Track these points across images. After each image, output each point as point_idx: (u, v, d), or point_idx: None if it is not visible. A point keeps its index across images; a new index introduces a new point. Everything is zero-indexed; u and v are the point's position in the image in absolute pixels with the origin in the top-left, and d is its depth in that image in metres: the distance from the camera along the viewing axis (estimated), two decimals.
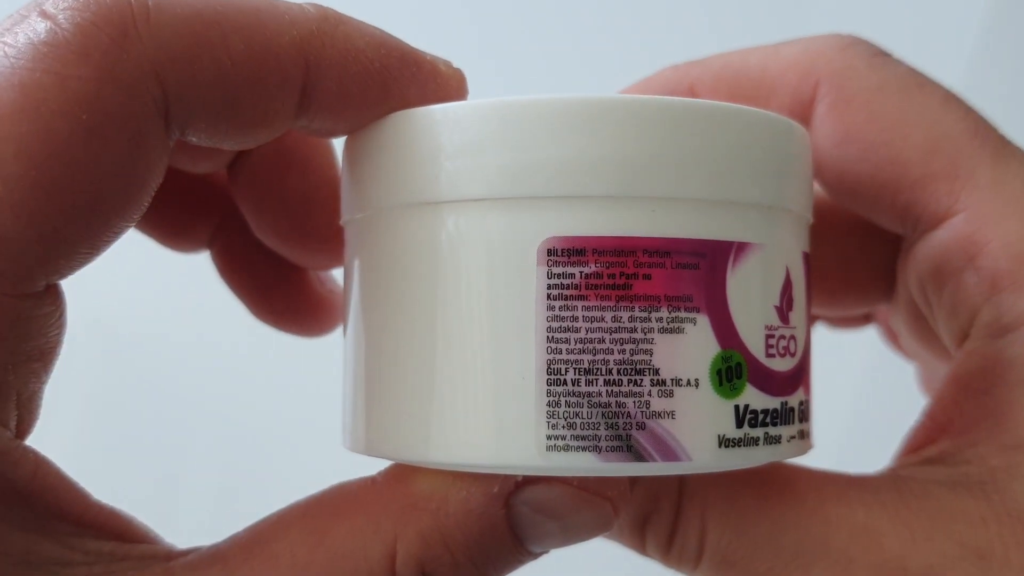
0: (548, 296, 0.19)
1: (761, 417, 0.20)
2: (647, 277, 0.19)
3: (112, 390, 0.47)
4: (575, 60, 0.55)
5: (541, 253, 0.19)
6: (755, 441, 0.20)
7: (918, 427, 0.24)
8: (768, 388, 0.20)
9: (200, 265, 0.27)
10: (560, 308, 0.19)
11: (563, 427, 0.19)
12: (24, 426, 0.19)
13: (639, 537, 0.23)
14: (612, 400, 0.19)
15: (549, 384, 0.19)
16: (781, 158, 0.21)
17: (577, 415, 0.19)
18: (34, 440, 0.20)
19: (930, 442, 0.22)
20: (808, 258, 0.22)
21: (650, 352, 0.19)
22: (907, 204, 0.23)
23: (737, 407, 0.20)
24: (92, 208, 0.18)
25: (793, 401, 0.21)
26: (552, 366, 0.19)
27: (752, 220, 0.20)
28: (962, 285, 0.22)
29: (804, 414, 0.22)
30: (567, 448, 0.19)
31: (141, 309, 0.50)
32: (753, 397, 0.20)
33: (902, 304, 0.27)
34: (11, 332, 0.18)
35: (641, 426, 0.19)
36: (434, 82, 0.21)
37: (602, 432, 0.19)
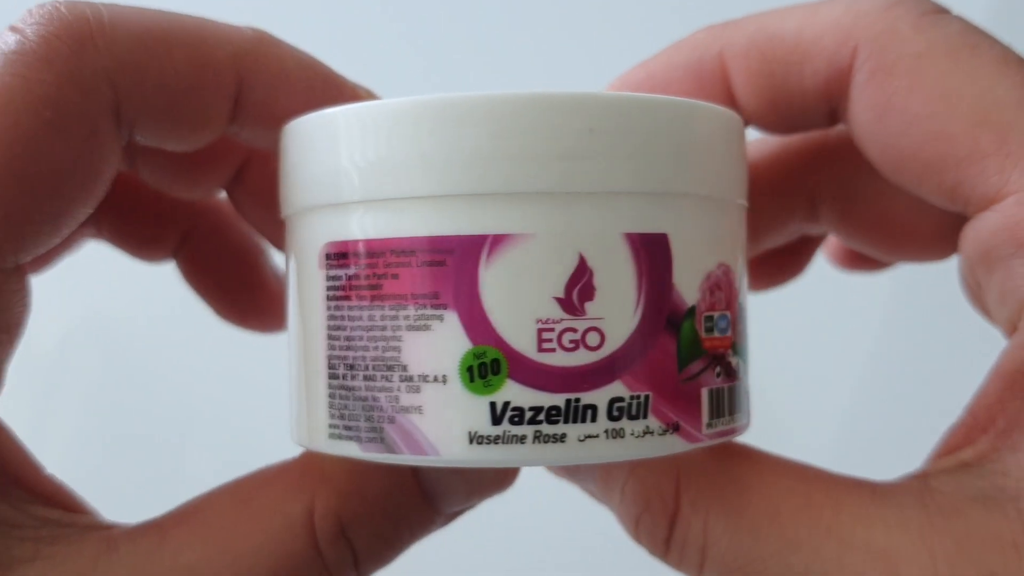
0: (327, 297, 0.21)
1: (529, 414, 0.19)
2: (395, 277, 0.20)
3: (110, 389, 0.46)
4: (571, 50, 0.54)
5: (321, 258, 0.21)
6: (520, 439, 0.19)
7: (957, 425, 0.21)
8: (543, 384, 0.19)
9: None
10: (334, 308, 0.21)
11: (337, 417, 0.21)
12: None
13: (635, 536, 0.23)
14: (369, 395, 0.20)
15: (329, 378, 0.21)
16: (564, 141, 0.20)
17: (345, 407, 0.21)
18: (33, 438, 0.23)
19: (968, 442, 0.21)
20: (644, 240, 0.20)
21: (399, 349, 0.20)
22: (955, 184, 0.21)
23: (493, 404, 0.19)
24: (54, 193, 0.21)
25: (596, 398, 0.20)
26: (330, 362, 0.21)
27: (516, 210, 0.19)
28: (1011, 273, 0.20)
29: (628, 411, 0.20)
30: (340, 437, 0.21)
31: (141, 309, 0.49)
32: (518, 393, 0.19)
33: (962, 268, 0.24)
34: None
35: (391, 420, 0.20)
36: (349, 97, 0.23)
37: (362, 424, 0.20)
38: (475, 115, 0.20)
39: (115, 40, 0.21)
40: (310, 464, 0.23)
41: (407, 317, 0.20)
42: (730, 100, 0.24)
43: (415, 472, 0.23)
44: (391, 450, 0.20)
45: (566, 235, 0.20)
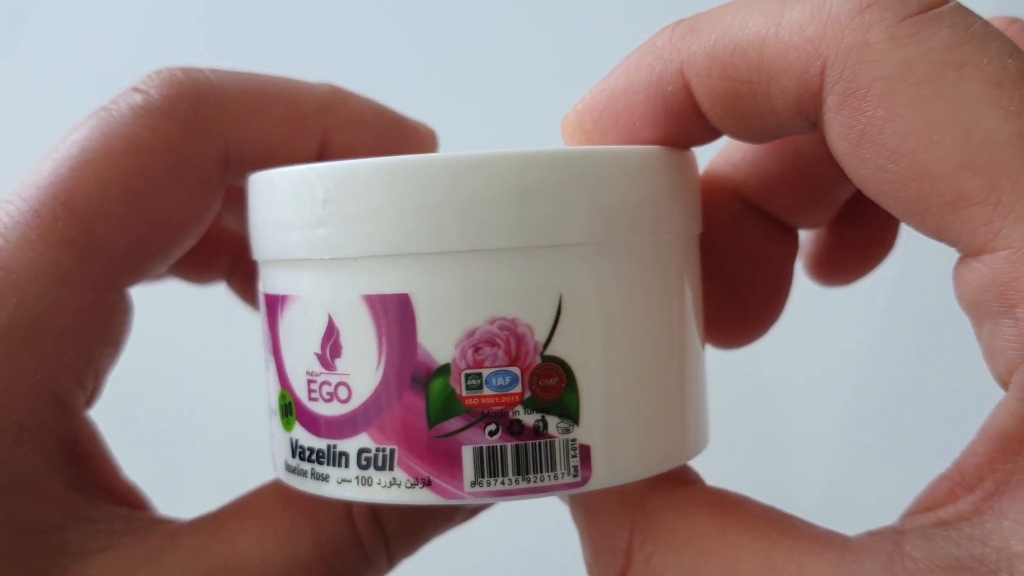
0: None
1: (308, 453, 0.22)
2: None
3: (111, 388, 0.42)
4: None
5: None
6: (304, 473, 0.22)
7: (941, 479, 0.19)
8: (314, 429, 0.22)
9: None
10: None
11: None
12: (91, 399, 0.25)
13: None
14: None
15: None
16: (306, 212, 0.21)
17: None
18: None
19: (951, 500, 0.19)
20: (384, 301, 0.21)
21: (265, 385, 0.24)
22: (939, 228, 0.18)
23: (292, 440, 0.23)
24: (170, 230, 0.24)
25: (348, 446, 0.21)
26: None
27: (290, 274, 0.22)
28: (999, 332, 0.18)
29: (374, 462, 0.21)
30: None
31: (141, 308, 0.46)
32: (302, 434, 0.22)
33: None
34: (103, 321, 0.24)
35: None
36: (415, 139, 0.27)
37: None
38: (263, 189, 0.23)
39: (224, 99, 0.24)
40: None
41: (264, 358, 0.24)
42: (700, 119, 0.22)
43: None
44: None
45: (318, 298, 0.22)
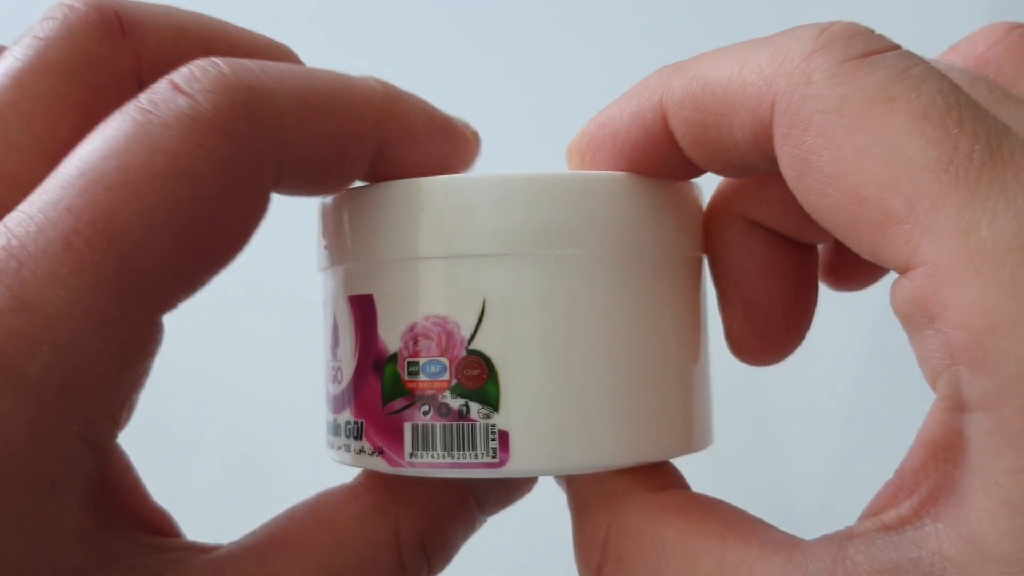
0: None
1: (327, 425, 0.27)
2: None
3: None
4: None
5: None
6: (328, 442, 0.28)
7: (887, 485, 0.21)
8: (331, 406, 0.27)
9: None
10: None
11: None
12: (118, 427, 0.22)
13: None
14: None
15: None
16: (322, 232, 0.27)
17: None
18: None
19: (893, 504, 0.20)
20: (358, 300, 0.25)
21: None
22: (871, 248, 0.20)
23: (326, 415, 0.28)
24: (217, 253, 0.22)
25: (340, 419, 0.26)
26: None
27: (322, 280, 0.28)
28: (924, 343, 0.20)
29: (351, 432, 0.26)
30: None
31: None
32: (326, 410, 0.28)
33: None
34: (140, 356, 0.21)
35: None
36: (462, 142, 0.27)
37: None
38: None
39: (278, 111, 0.21)
40: (384, 481, 0.26)
41: None
42: (676, 149, 0.24)
43: (469, 485, 0.27)
44: None
45: (327, 299, 0.27)
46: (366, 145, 0.24)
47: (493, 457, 0.24)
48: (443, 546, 0.26)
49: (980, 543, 0.18)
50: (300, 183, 0.23)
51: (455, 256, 0.24)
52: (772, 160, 0.22)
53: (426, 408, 0.24)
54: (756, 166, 0.23)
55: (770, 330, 0.27)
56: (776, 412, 0.59)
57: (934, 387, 0.20)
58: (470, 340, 0.24)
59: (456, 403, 0.24)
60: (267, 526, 0.24)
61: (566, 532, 0.26)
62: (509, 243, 0.24)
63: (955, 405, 0.19)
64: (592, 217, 0.24)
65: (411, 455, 0.25)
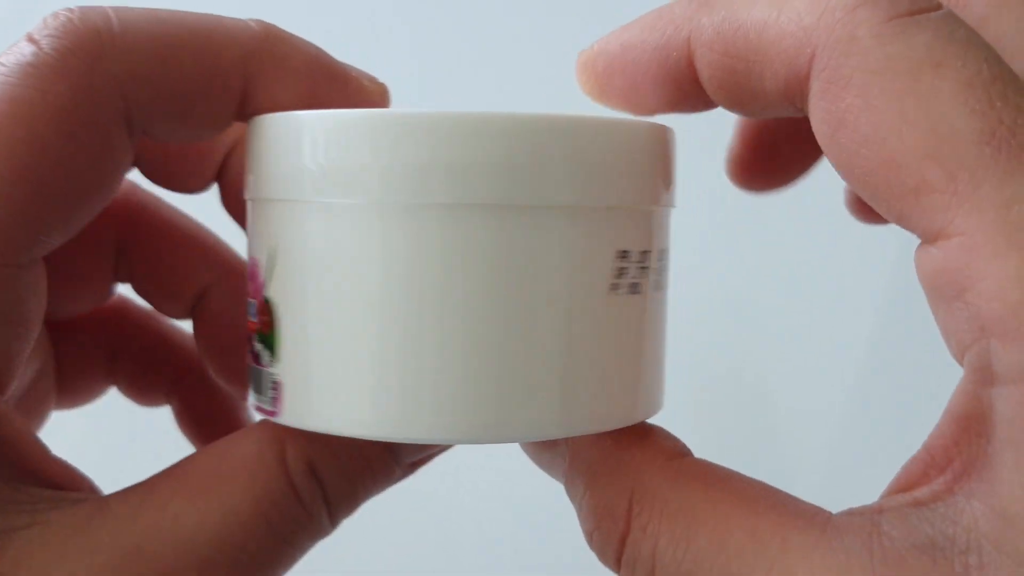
0: None
1: None
2: None
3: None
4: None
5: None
6: None
7: (914, 460, 0.21)
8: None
9: None
10: None
11: None
12: (4, 385, 0.23)
13: (590, 546, 0.24)
14: None
15: None
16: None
17: None
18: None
19: (925, 481, 0.20)
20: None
21: None
22: (901, 213, 0.20)
23: None
24: (67, 196, 0.22)
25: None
26: None
27: None
28: (952, 316, 0.20)
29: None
30: None
31: None
32: None
33: None
34: (11, 283, 0.22)
35: None
36: (358, 95, 0.25)
37: None
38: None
39: (126, 50, 0.22)
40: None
41: None
42: (697, 88, 0.23)
43: None
44: None
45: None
46: (229, 83, 0.23)
47: (272, 406, 0.24)
48: (339, 475, 0.25)
49: (1014, 518, 0.18)
50: (162, 121, 0.23)
51: (267, 199, 0.24)
52: (800, 111, 0.22)
53: (249, 348, 0.25)
54: (783, 114, 0.23)
55: (774, 151, 0.28)
56: (776, 412, 0.59)
57: (960, 360, 0.20)
58: (264, 286, 0.24)
59: (257, 347, 0.24)
60: (169, 466, 0.24)
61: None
62: (298, 189, 0.23)
63: (985, 378, 0.19)
64: (384, 165, 0.22)
65: (250, 395, 0.25)
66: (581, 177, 0.22)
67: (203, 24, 0.23)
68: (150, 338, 0.32)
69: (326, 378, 0.22)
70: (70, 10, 0.22)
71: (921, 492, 0.20)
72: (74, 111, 0.22)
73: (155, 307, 0.31)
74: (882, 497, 0.21)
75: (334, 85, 0.24)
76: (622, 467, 0.23)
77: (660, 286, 0.24)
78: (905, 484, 0.21)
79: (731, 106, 0.23)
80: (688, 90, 0.23)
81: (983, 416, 0.19)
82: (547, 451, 0.25)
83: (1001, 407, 0.19)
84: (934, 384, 0.20)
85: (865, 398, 0.57)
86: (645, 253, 0.23)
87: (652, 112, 0.25)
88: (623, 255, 0.23)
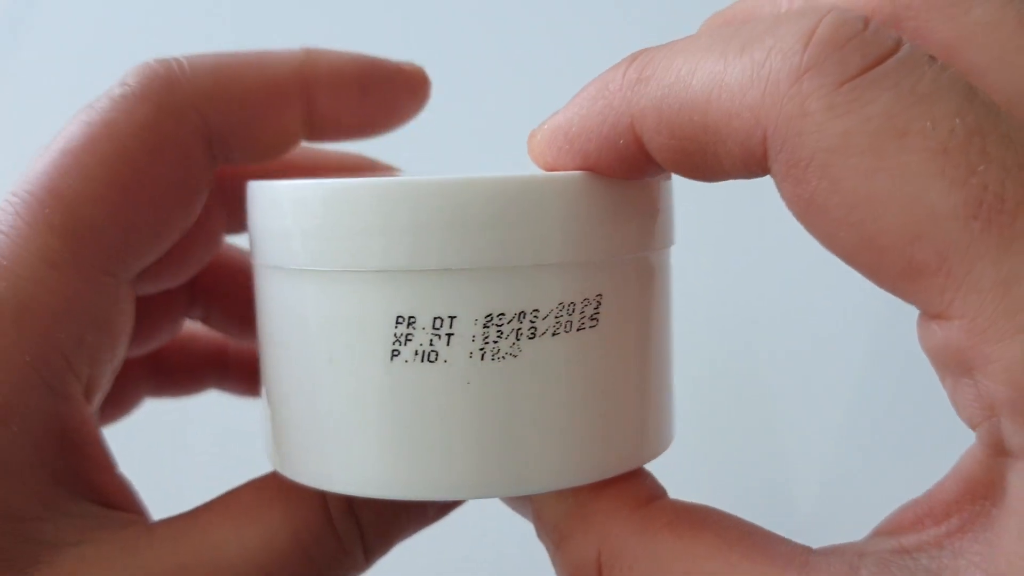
0: None
1: None
2: None
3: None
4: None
5: None
6: None
7: (911, 506, 0.20)
8: None
9: None
10: None
11: None
12: (92, 390, 0.25)
13: None
14: None
15: None
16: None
17: None
18: None
19: (915, 529, 0.20)
20: None
21: None
22: (895, 292, 0.19)
23: None
24: (156, 209, 0.25)
25: None
26: None
27: None
28: (960, 391, 0.19)
29: None
30: None
31: None
32: None
33: None
34: (96, 305, 0.24)
35: None
36: (400, 77, 0.28)
37: None
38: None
39: (196, 76, 0.25)
40: None
41: None
42: (656, 164, 0.21)
43: None
44: None
45: None
46: (291, 95, 0.26)
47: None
48: (376, 517, 0.25)
49: None
50: (235, 142, 0.26)
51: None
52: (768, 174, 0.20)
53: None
54: (752, 177, 0.21)
55: None
56: (776, 413, 0.59)
57: (972, 428, 0.19)
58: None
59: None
60: (214, 498, 0.25)
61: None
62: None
63: (996, 450, 0.18)
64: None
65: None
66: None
67: (257, 53, 0.26)
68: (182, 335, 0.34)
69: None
70: (148, 62, 0.25)
71: (908, 539, 0.19)
72: (156, 127, 0.24)
73: (229, 335, 0.34)
74: (867, 537, 0.20)
75: (381, 78, 0.27)
76: (587, 521, 0.22)
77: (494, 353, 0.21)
78: (893, 528, 0.20)
79: (694, 179, 0.21)
80: (648, 167, 0.21)
81: (993, 483, 0.19)
82: (520, 505, 0.25)
83: (1015, 480, 0.18)
84: (935, 385, 0.20)
85: (866, 399, 0.56)
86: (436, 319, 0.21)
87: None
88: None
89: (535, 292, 0.21)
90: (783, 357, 0.53)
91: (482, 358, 0.21)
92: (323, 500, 0.25)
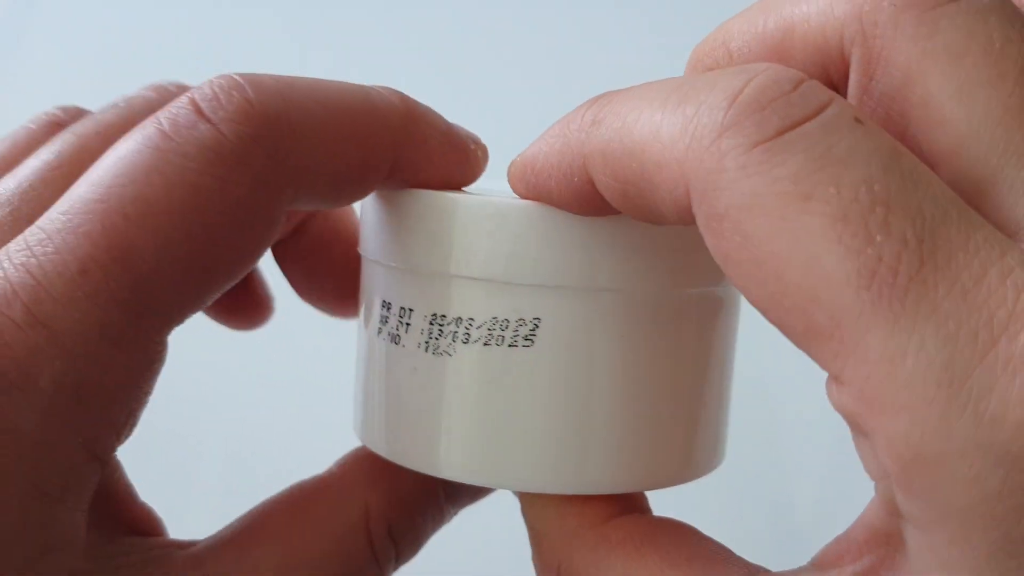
0: None
1: None
2: None
3: None
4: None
5: None
6: None
7: (836, 541, 0.21)
8: None
9: None
10: None
11: None
12: (119, 439, 0.23)
13: None
14: None
15: None
16: None
17: None
18: None
19: (839, 563, 0.20)
20: None
21: None
22: (801, 348, 0.19)
23: None
24: (228, 276, 0.22)
25: None
26: None
27: None
28: (861, 448, 0.19)
29: None
30: None
31: None
32: None
33: None
34: (147, 374, 0.22)
35: None
36: (472, 160, 0.26)
37: None
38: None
39: (300, 140, 0.22)
40: (357, 470, 0.26)
41: None
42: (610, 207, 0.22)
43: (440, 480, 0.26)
44: None
45: None
46: (382, 165, 0.24)
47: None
48: (410, 534, 0.26)
49: None
50: (315, 203, 0.24)
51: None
52: None
53: None
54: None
55: None
56: (777, 417, 0.59)
57: (875, 480, 0.19)
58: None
59: None
60: (243, 518, 0.25)
61: None
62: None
63: (891, 510, 0.18)
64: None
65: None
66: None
67: (360, 105, 0.23)
68: None
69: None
70: (238, 83, 0.21)
71: (830, 574, 0.20)
72: (251, 203, 0.21)
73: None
74: (805, 566, 0.21)
75: (457, 156, 0.25)
76: (560, 530, 0.23)
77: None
78: (823, 561, 0.21)
79: (645, 221, 0.22)
80: (602, 206, 0.22)
81: (891, 535, 0.19)
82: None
83: (911, 541, 0.18)
84: None
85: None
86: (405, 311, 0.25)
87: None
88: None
89: (472, 303, 0.23)
90: (783, 357, 0.52)
91: (426, 350, 0.24)
92: (366, 527, 0.25)
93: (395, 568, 0.26)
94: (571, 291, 0.23)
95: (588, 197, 0.22)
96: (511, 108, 0.57)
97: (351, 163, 0.23)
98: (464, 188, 0.25)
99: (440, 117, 0.25)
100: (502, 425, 0.23)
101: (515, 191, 0.23)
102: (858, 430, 0.18)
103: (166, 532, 0.26)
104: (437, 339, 0.24)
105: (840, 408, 0.18)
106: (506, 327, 0.23)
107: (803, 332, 0.18)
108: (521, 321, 0.23)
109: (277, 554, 0.24)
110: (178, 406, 0.57)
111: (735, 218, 0.18)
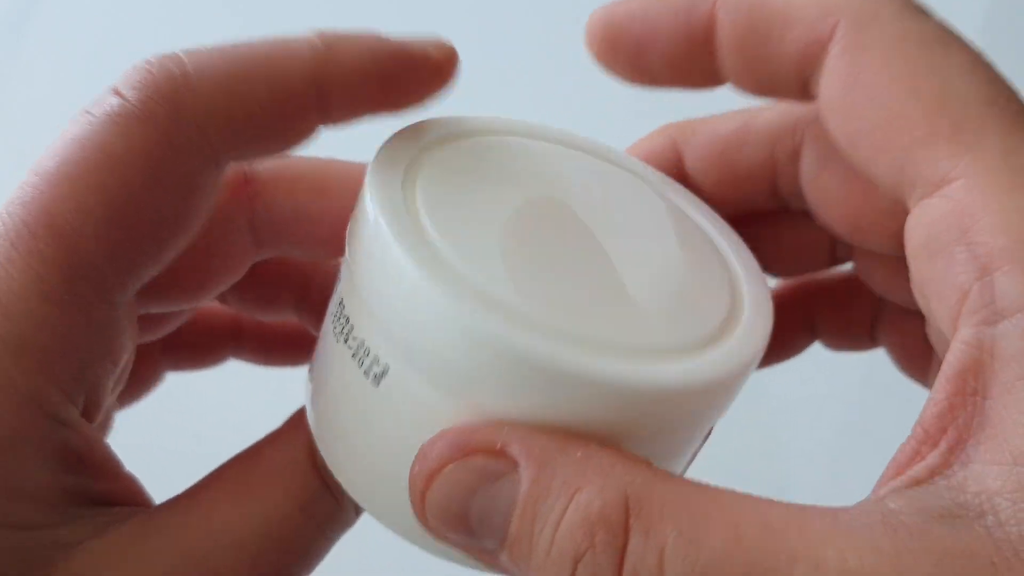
0: None
1: None
2: None
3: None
4: None
5: None
6: None
7: (906, 442, 0.20)
8: None
9: None
10: None
11: None
12: (93, 412, 0.25)
13: None
14: None
15: None
16: None
17: None
18: None
19: (918, 458, 0.19)
20: None
21: None
22: (906, 163, 0.22)
23: None
24: (158, 236, 0.23)
25: None
26: None
27: None
28: (952, 261, 0.20)
29: None
30: None
31: None
32: None
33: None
34: (94, 335, 0.23)
35: None
36: (426, 68, 0.25)
37: None
38: None
39: (202, 92, 0.23)
40: (299, 417, 0.27)
41: None
42: (711, 51, 0.25)
43: None
44: None
45: None
46: (304, 100, 0.24)
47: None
48: None
49: None
50: (245, 149, 0.24)
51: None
52: (804, 86, 0.24)
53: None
54: (785, 87, 0.24)
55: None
56: (775, 409, 0.59)
57: (954, 322, 0.20)
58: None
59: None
60: (206, 475, 0.26)
61: None
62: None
63: (988, 317, 0.19)
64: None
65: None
66: None
67: (269, 51, 0.24)
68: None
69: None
70: (148, 61, 0.23)
71: (916, 471, 0.19)
72: (160, 157, 0.23)
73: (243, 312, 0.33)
74: (875, 489, 0.20)
75: (400, 66, 0.25)
76: (606, 471, 0.20)
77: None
78: (897, 469, 0.20)
79: (740, 71, 0.25)
80: (698, 54, 0.25)
81: (983, 364, 0.19)
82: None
83: (1005, 344, 0.19)
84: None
85: (867, 399, 0.57)
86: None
87: (648, 82, 0.26)
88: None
89: (360, 316, 0.23)
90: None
91: (336, 341, 0.24)
92: (315, 464, 0.25)
93: (357, 506, 0.26)
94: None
95: (692, 35, 0.24)
96: (515, 102, 0.57)
97: (262, 103, 0.23)
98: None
99: (371, 36, 0.25)
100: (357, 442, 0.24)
101: (597, 31, 0.25)
102: (954, 234, 0.20)
103: (151, 503, 0.26)
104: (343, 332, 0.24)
105: (937, 220, 0.21)
106: (367, 353, 0.23)
107: (920, 139, 0.21)
108: (376, 359, 0.22)
109: (229, 500, 0.25)
110: (178, 406, 0.55)
111: (881, 47, 0.22)
